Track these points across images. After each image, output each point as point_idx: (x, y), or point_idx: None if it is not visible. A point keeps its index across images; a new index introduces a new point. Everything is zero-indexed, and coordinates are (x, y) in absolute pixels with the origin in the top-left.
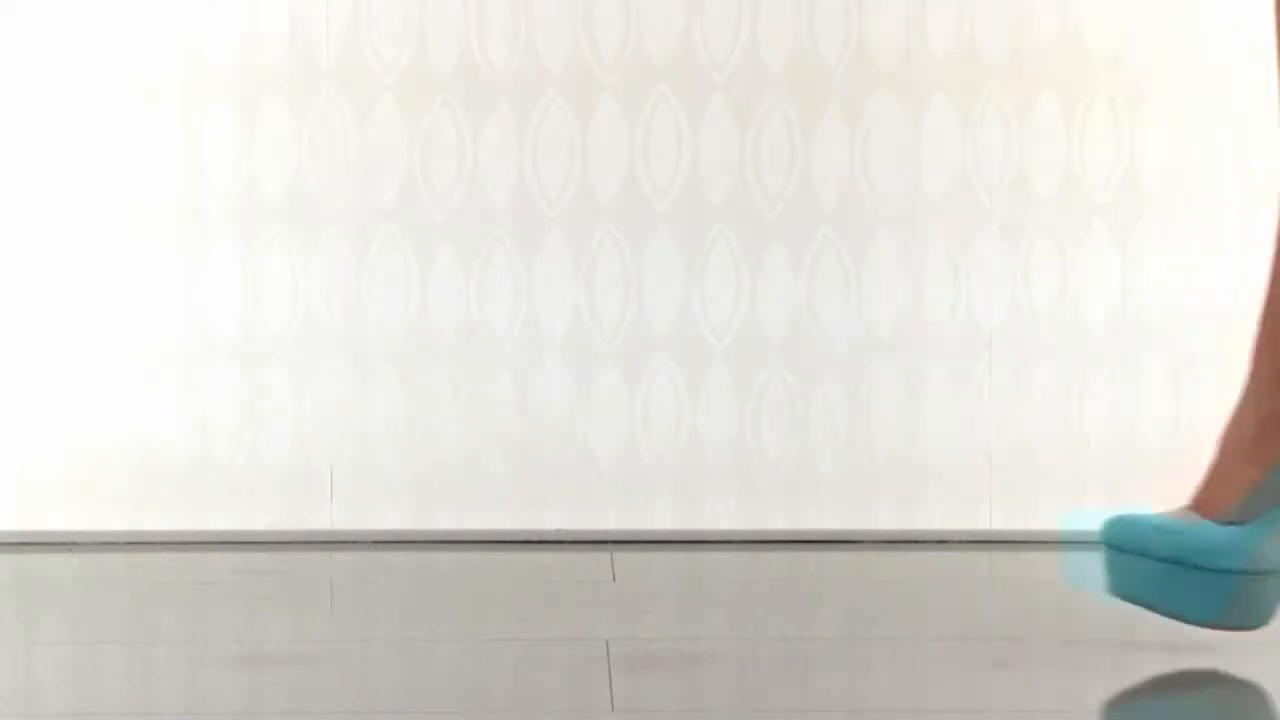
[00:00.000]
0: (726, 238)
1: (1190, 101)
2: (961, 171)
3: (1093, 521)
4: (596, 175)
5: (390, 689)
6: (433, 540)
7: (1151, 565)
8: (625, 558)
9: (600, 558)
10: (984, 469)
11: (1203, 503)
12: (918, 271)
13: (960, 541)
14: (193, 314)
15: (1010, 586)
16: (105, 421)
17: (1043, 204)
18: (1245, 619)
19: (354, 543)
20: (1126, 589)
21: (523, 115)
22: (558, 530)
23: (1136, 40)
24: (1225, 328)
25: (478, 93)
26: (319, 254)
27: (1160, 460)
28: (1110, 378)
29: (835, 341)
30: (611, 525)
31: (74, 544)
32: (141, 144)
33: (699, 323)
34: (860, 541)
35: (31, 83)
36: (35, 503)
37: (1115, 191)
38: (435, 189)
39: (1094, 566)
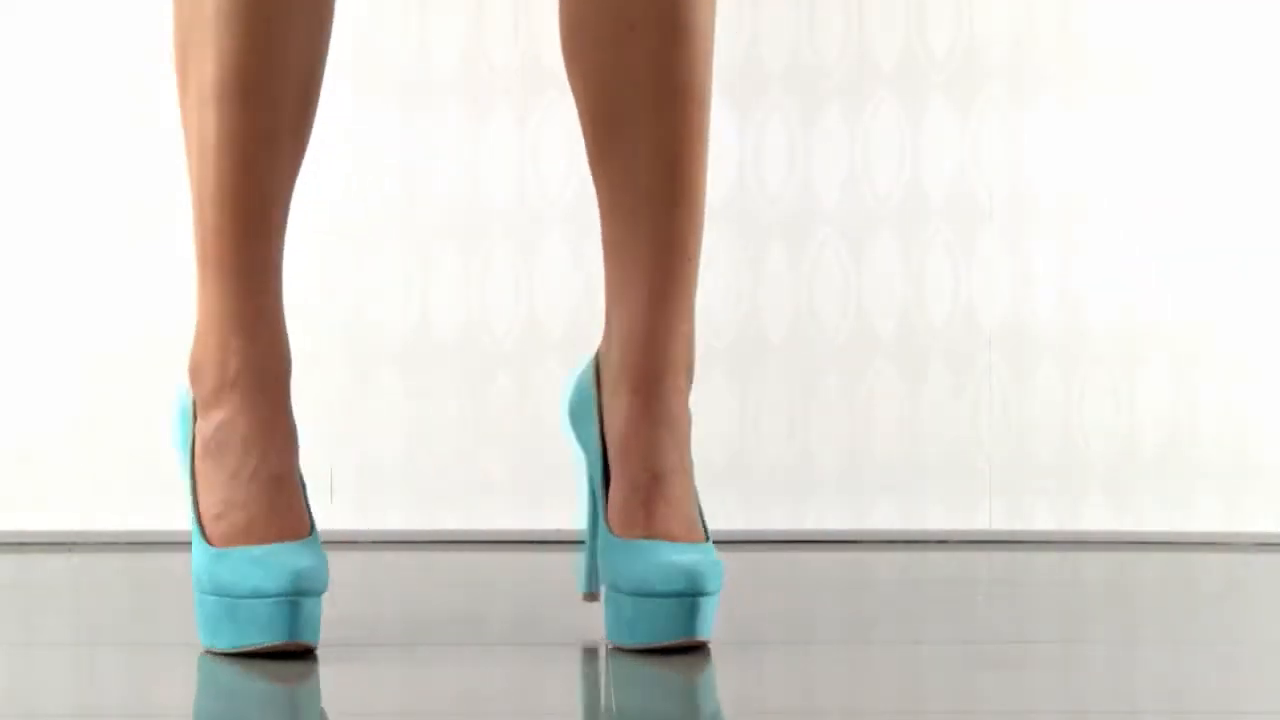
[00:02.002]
0: (726, 237)
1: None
2: (961, 170)
3: None
4: None
5: (390, 690)
6: (433, 540)
7: None
8: None
9: None
10: (984, 469)
11: None
12: (918, 271)
13: (960, 541)
14: (193, 314)
15: (1010, 586)
16: (105, 421)
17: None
18: None
19: (354, 543)
20: None
21: (523, 115)
22: (558, 530)
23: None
24: (1224, 327)
25: (478, 93)
26: (319, 254)
27: (1159, 460)
28: (1111, 377)
29: (835, 341)
30: None
31: (74, 544)
32: (142, 144)
33: (699, 322)
34: (860, 541)
35: (31, 82)
36: (37, 503)
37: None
38: (435, 189)
39: None
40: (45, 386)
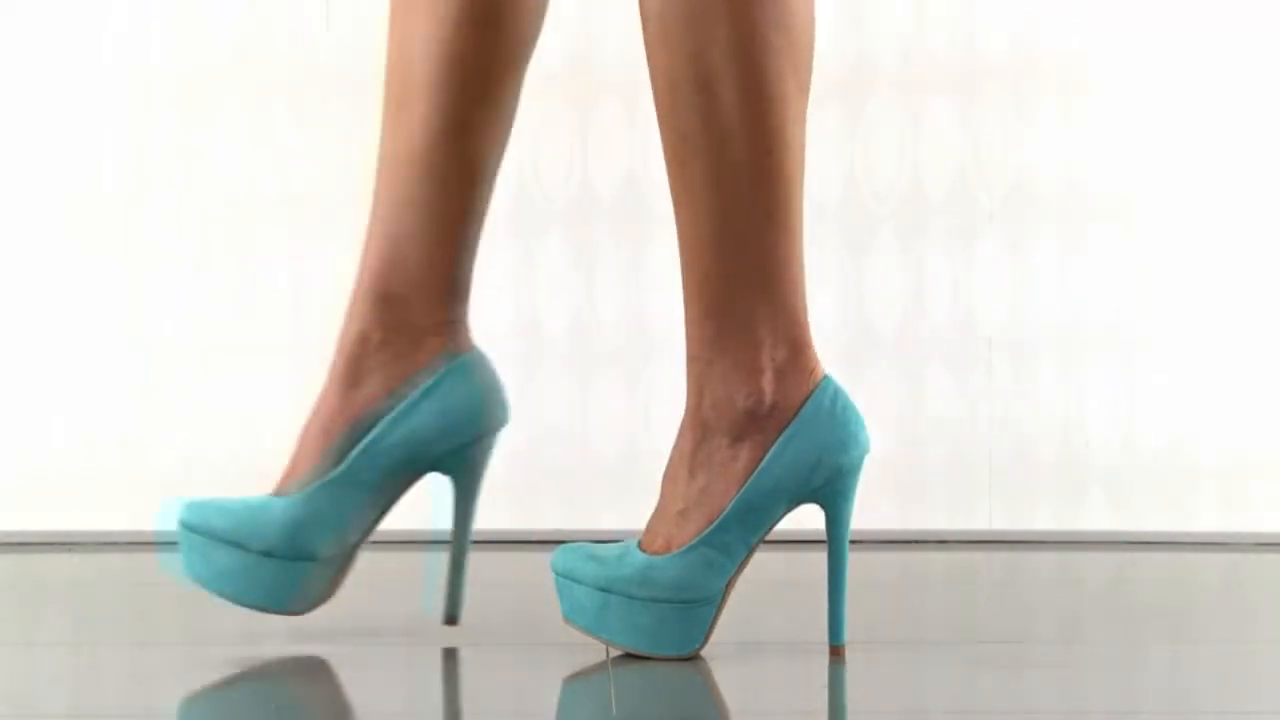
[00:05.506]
0: None
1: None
2: (961, 171)
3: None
4: (597, 175)
5: (391, 690)
6: (432, 540)
7: (223, 552)
8: None
9: None
10: (984, 469)
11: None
12: (918, 271)
13: (960, 541)
14: (193, 314)
15: (1010, 587)
16: (105, 422)
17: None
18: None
19: None
20: (202, 576)
21: (524, 115)
22: (557, 530)
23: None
24: (1224, 327)
25: None
26: (319, 254)
27: (1159, 460)
28: (1111, 378)
29: (835, 341)
30: (611, 525)
31: (74, 544)
32: (142, 144)
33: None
34: (864, 541)
35: (31, 82)
36: (35, 503)
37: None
38: None
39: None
40: (46, 386)
